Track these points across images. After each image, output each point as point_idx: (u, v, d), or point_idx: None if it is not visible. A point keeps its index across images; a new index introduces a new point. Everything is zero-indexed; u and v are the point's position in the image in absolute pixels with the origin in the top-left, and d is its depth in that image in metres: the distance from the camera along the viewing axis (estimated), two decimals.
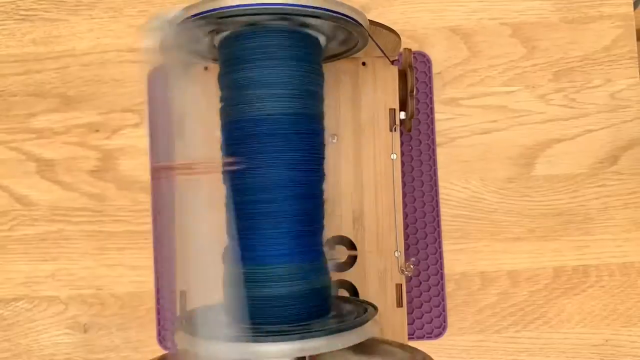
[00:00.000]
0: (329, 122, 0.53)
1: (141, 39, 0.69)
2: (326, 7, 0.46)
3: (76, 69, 0.69)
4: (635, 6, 0.70)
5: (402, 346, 0.51)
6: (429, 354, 0.48)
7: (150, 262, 0.66)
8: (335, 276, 0.60)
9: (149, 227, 0.67)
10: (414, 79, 0.59)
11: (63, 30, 0.70)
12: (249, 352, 0.43)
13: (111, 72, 0.69)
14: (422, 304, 0.66)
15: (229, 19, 0.46)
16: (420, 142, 0.67)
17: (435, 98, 0.68)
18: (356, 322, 0.47)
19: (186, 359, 0.50)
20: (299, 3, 0.45)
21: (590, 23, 0.69)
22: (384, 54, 0.58)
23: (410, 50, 0.60)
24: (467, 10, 0.69)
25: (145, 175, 0.68)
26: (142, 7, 0.70)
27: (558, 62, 0.68)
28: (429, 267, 0.66)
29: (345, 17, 0.47)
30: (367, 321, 0.47)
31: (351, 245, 0.60)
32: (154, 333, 0.66)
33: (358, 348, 0.47)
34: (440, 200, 0.67)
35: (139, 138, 0.68)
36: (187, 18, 0.47)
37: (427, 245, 0.66)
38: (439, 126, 0.68)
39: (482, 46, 0.69)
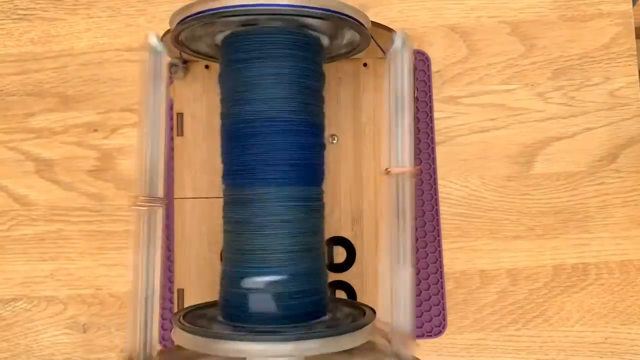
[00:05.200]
0: (329, 123, 0.53)
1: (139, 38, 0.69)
2: (329, 9, 0.46)
3: (74, 68, 0.69)
4: (634, 3, 0.70)
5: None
6: (426, 356, 0.48)
7: None
8: (333, 277, 0.60)
9: None
10: (415, 80, 0.59)
11: (61, 29, 0.70)
12: (244, 351, 0.43)
13: (109, 71, 0.69)
14: (421, 303, 0.66)
15: (230, 18, 0.46)
16: (420, 141, 0.67)
17: (434, 96, 0.68)
18: (353, 325, 0.47)
19: (182, 356, 0.50)
20: (302, 4, 0.45)
21: (589, 21, 0.69)
22: (386, 55, 0.58)
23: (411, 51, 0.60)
24: (465, 8, 0.69)
25: None
26: (140, 6, 0.70)
27: (557, 60, 0.68)
28: (428, 265, 0.66)
29: (347, 19, 0.47)
30: (364, 325, 0.47)
31: (349, 247, 0.60)
32: None
33: (353, 351, 0.47)
34: (440, 199, 0.67)
35: None
36: (188, 16, 0.47)
37: (427, 244, 0.66)
38: (438, 124, 0.68)
39: (480, 44, 0.69)
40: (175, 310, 0.61)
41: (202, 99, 0.60)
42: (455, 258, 0.67)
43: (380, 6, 0.69)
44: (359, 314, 0.50)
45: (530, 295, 0.66)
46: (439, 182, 0.67)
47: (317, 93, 0.50)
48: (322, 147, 0.51)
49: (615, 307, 0.66)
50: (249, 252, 0.48)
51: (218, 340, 0.44)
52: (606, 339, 0.66)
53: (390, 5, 0.69)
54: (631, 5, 0.69)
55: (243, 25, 0.48)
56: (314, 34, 0.50)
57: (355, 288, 0.60)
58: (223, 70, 0.50)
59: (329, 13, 0.46)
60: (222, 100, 0.50)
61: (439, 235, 0.66)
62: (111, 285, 0.67)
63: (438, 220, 0.66)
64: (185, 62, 0.59)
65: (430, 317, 0.66)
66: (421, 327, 0.65)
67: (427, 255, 0.66)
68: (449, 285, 0.66)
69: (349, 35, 0.51)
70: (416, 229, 0.66)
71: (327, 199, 0.52)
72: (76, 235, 0.67)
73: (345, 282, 0.60)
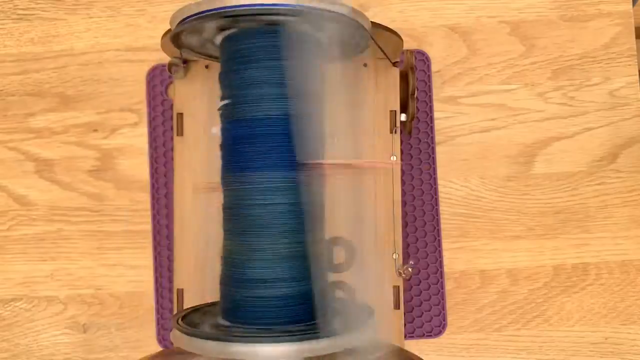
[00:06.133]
0: (329, 123, 0.53)
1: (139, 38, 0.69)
2: (330, 9, 0.46)
3: (74, 68, 0.69)
4: (634, 3, 0.70)
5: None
6: (426, 356, 0.48)
7: (149, 262, 0.66)
8: (332, 277, 0.59)
9: (147, 226, 0.67)
10: (415, 80, 0.59)
11: (61, 29, 0.70)
12: (243, 353, 0.43)
13: (109, 71, 0.69)
14: (421, 303, 0.66)
15: (232, 18, 0.46)
16: (420, 141, 0.67)
17: (434, 97, 0.68)
18: (352, 325, 0.46)
19: (182, 357, 0.50)
20: (302, 4, 0.45)
21: (589, 21, 0.69)
22: (386, 55, 0.58)
23: (412, 52, 0.60)
24: (465, 8, 0.69)
25: (144, 175, 0.67)
26: (140, 6, 0.70)
27: (557, 60, 0.68)
28: (428, 265, 0.66)
29: (348, 19, 0.47)
30: (363, 324, 0.47)
31: (349, 247, 0.60)
32: (154, 333, 0.66)
33: (352, 351, 0.47)
34: (440, 199, 0.67)
35: (138, 137, 0.68)
36: (190, 16, 0.47)
37: (427, 244, 0.66)
38: (438, 125, 0.68)
39: (481, 44, 0.69)
40: (175, 310, 0.61)
41: (202, 99, 0.60)
42: (455, 258, 0.67)
43: (380, 6, 0.69)
44: (358, 313, 0.50)
45: (530, 295, 0.66)
46: (439, 182, 0.67)
47: (317, 93, 0.50)
48: (322, 147, 0.51)
49: (615, 307, 0.66)
50: (250, 252, 0.48)
51: (216, 342, 0.44)
52: (606, 339, 0.66)
53: (390, 5, 0.69)
54: (631, 5, 0.69)
55: (243, 24, 0.48)
56: (314, 34, 0.50)
57: (354, 288, 0.60)
58: (223, 70, 0.50)
59: (329, 14, 0.46)
60: (222, 100, 0.50)
61: (439, 235, 0.66)
62: (111, 285, 0.67)
63: (438, 220, 0.66)
64: (185, 61, 0.59)
65: (430, 317, 0.66)
66: (421, 327, 0.65)
67: (427, 255, 0.66)
68: (449, 285, 0.66)
69: (349, 36, 0.51)
70: (416, 229, 0.66)
71: (327, 199, 0.52)
72: (76, 235, 0.67)
73: (345, 282, 0.60)
